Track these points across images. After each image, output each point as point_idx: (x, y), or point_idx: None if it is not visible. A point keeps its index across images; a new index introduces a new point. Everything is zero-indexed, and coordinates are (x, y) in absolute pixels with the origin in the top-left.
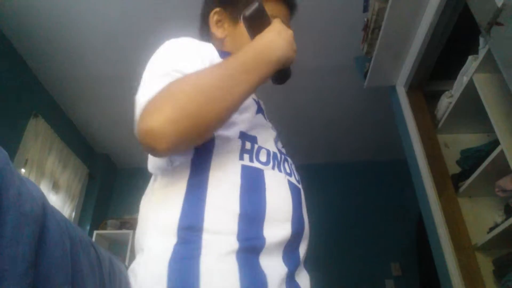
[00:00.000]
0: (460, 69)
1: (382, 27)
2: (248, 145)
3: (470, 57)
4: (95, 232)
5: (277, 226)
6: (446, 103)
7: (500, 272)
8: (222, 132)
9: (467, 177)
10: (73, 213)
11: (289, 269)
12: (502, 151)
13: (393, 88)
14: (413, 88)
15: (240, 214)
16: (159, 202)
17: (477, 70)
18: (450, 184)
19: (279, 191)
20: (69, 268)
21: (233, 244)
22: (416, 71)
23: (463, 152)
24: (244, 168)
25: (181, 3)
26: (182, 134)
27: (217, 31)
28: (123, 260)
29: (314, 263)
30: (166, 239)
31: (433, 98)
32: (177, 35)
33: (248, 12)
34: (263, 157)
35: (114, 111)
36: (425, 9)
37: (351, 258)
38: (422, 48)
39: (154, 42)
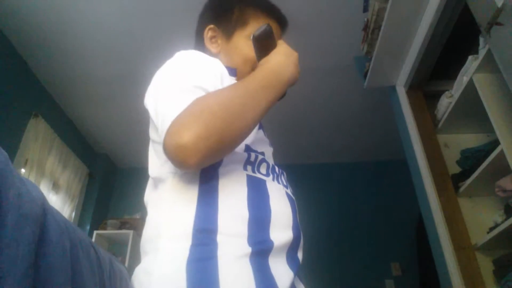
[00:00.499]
0: (460, 69)
1: (382, 27)
2: (252, 156)
3: (470, 57)
4: (95, 232)
5: (282, 230)
6: (446, 103)
7: (500, 272)
8: None
9: (467, 177)
10: (73, 213)
11: (293, 272)
12: (502, 151)
13: (393, 88)
14: (413, 88)
15: (249, 218)
16: (172, 206)
17: (477, 70)
18: (450, 184)
19: (280, 200)
20: (69, 268)
21: (246, 247)
22: (416, 71)
23: (463, 152)
24: (249, 177)
25: (181, 3)
26: (212, 150)
27: (211, 47)
28: (123, 260)
29: (314, 263)
30: (182, 241)
31: (433, 98)
32: (177, 35)
33: (257, 33)
34: (263, 169)
35: (114, 111)
36: (425, 9)
37: (351, 258)
38: (422, 48)
39: (154, 43)
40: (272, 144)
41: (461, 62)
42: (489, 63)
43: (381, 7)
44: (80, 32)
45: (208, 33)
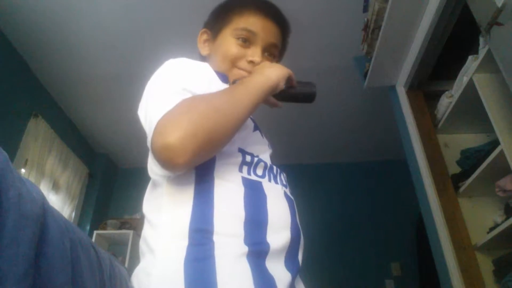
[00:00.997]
0: (460, 69)
1: (382, 27)
2: (248, 158)
3: (470, 57)
4: (95, 232)
5: (279, 232)
6: (446, 103)
7: (500, 272)
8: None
9: (467, 177)
10: (73, 213)
11: (291, 275)
12: (502, 151)
13: (393, 88)
14: (413, 88)
15: (245, 219)
16: (169, 207)
17: (477, 70)
18: (450, 184)
19: (278, 201)
20: (69, 268)
21: (242, 246)
22: (416, 71)
23: (463, 152)
24: (244, 179)
25: (182, 3)
26: (199, 149)
27: (201, 49)
28: (123, 260)
29: (314, 263)
30: (178, 241)
31: (433, 98)
32: (177, 35)
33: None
34: (259, 171)
35: (114, 111)
36: (425, 9)
37: (351, 258)
38: (422, 48)
39: (154, 43)
40: (272, 144)
41: (461, 62)
42: (489, 63)
43: (381, 7)
44: (80, 32)
45: (201, 37)
